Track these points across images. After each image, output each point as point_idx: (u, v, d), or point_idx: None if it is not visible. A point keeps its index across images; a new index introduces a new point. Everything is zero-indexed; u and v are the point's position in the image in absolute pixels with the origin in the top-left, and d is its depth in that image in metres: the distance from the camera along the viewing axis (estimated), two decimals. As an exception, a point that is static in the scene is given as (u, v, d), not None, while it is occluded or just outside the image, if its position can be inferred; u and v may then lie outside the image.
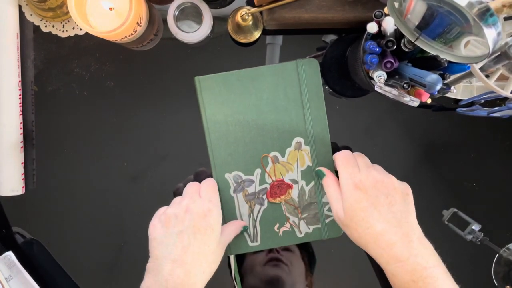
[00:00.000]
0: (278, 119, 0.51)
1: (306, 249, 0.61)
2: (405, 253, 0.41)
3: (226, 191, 0.52)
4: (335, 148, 0.52)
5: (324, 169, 0.49)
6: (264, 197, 0.52)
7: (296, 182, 0.52)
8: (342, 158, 0.47)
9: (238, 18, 0.55)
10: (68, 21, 0.59)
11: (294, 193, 0.52)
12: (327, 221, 0.53)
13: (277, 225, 0.52)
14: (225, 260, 0.57)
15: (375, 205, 0.43)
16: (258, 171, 0.52)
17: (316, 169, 0.51)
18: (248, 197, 0.52)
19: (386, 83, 0.46)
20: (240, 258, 0.59)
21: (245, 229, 0.52)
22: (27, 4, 0.58)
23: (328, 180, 0.48)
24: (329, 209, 0.53)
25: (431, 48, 0.42)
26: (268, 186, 0.52)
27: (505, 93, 0.48)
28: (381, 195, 0.43)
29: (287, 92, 0.51)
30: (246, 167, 0.52)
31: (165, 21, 0.57)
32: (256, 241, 0.52)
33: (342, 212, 0.44)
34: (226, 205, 0.52)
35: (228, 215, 0.52)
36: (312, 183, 0.52)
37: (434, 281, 0.40)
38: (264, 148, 0.52)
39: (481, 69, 0.47)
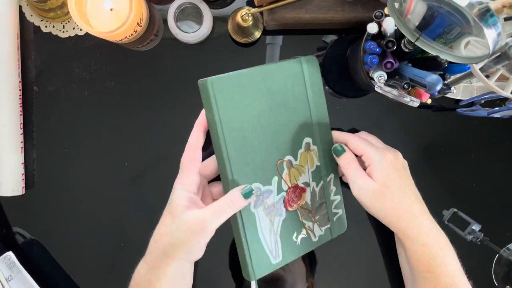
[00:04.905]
0: (289, 120, 0.48)
1: None
2: (430, 222, 0.45)
3: (246, 208, 0.45)
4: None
5: (343, 145, 0.49)
6: (282, 206, 0.48)
7: (308, 184, 0.50)
8: (358, 138, 0.48)
9: (239, 18, 0.55)
10: (69, 21, 0.59)
11: (307, 196, 0.50)
12: (334, 218, 0.52)
13: (295, 234, 0.49)
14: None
15: (404, 177, 0.46)
16: (275, 179, 0.47)
17: (333, 146, 0.49)
18: (268, 210, 0.47)
19: (386, 83, 0.46)
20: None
21: (248, 192, 0.44)
22: (27, 5, 0.58)
23: (348, 156, 0.47)
24: (336, 206, 0.52)
25: (431, 49, 0.42)
26: (284, 193, 0.48)
27: (505, 93, 0.48)
28: (403, 169, 0.47)
29: (294, 91, 0.48)
30: (264, 176, 0.46)
31: (165, 21, 0.57)
32: (278, 257, 0.48)
33: (373, 184, 0.44)
34: (248, 223, 0.45)
35: (250, 234, 0.45)
36: (321, 183, 0.51)
37: (450, 246, 0.45)
38: (279, 153, 0.47)
39: (481, 69, 0.47)
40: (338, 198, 0.52)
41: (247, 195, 0.43)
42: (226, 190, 0.45)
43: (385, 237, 0.49)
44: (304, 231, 0.50)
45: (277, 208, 0.47)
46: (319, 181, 0.50)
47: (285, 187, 0.48)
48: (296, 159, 0.49)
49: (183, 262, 0.43)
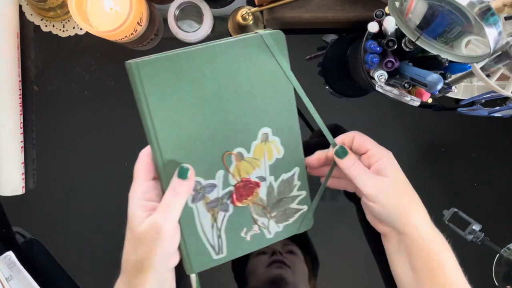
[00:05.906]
0: (241, 108, 0.43)
1: (309, 253, 0.60)
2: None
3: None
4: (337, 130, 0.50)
5: (344, 146, 0.45)
6: (229, 201, 0.45)
7: (264, 179, 0.46)
8: (362, 134, 0.46)
9: (239, 17, 0.55)
10: (69, 20, 0.59)
11: (262, 191, 0.46)
12: (296, 215, 0.48)
13: (244, 230, 0.46)
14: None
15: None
16: (220, 173, 0.44)
17: (337, 146, 0.44)
18: (210, 205, 0.44)
19: (387, 82, 0.46)
20: (243, 261, 0.59)
21: (183, 171, 0.41)
22: (27, 4, 0.58)
23: (353, 157, 0.44)
24: (300, 202, 0.48)
25: (432, 48, 0.42)
26: (232, 188, 0.44)
27: (506, 92, 0.48)
28: None
29: (250, 74, 0.42)
30: (206, 170, 0.43)
31: (165, 20, 0.57)
32: (222, 253, 0.45)
33: (387, 180, 0.42)
34: (183, 218, 0.43)
35: (187, 229, 0.43)
36: (281, 177, 0.46)
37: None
38: (227, 145, 0.43)
39: (482, 68, 0.47)
40: (303, 193, 0.48)
41: (182, 174, 0.40)
42: (162, 185, 0.42)
43: (376, 241, 0.47)
44: (256, 227, 0.46)
45: (222, 204, 0.44)
46: (279, 175, 0.46)
47: (232, 182, 0.44)
48: (248, 152, 0.44)
49: (160, 272, 0.41)
